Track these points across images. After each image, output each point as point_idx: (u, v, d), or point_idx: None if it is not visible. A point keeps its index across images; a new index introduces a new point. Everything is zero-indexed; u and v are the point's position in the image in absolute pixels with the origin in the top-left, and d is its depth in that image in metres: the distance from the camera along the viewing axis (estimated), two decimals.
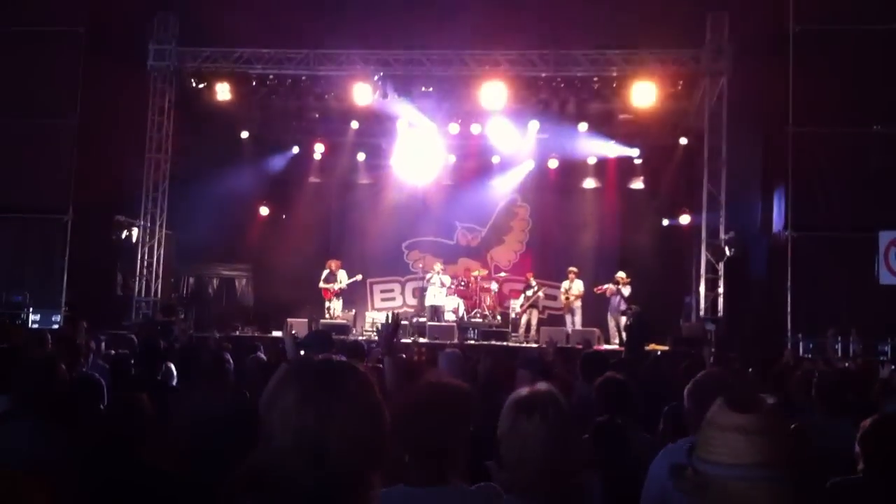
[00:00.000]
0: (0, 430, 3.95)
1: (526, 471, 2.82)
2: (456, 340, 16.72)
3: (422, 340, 16.92)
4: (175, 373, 7.24)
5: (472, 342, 17.16)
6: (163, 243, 19.36)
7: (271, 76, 18.92)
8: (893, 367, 8.62)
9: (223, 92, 18.93)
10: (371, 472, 1.92)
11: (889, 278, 14.74)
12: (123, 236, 18.54)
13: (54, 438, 3.94)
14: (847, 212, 16.18)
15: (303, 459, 1.83)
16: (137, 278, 19.09)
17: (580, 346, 13.58)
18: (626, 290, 18.22)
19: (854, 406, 5.69)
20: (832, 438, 4.66)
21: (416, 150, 21.37)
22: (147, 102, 18.94)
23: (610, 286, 18.51)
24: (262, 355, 7.95)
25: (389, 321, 6.73)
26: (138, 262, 19.08)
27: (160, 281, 19.32)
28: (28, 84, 18.21)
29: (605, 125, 20.09)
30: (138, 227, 18.93)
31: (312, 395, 1.88)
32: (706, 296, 17.85)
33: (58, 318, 17.57)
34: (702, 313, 17.88)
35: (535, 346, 17.00)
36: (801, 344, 15.64)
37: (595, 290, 18.79)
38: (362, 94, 18.38)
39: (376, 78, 18.14)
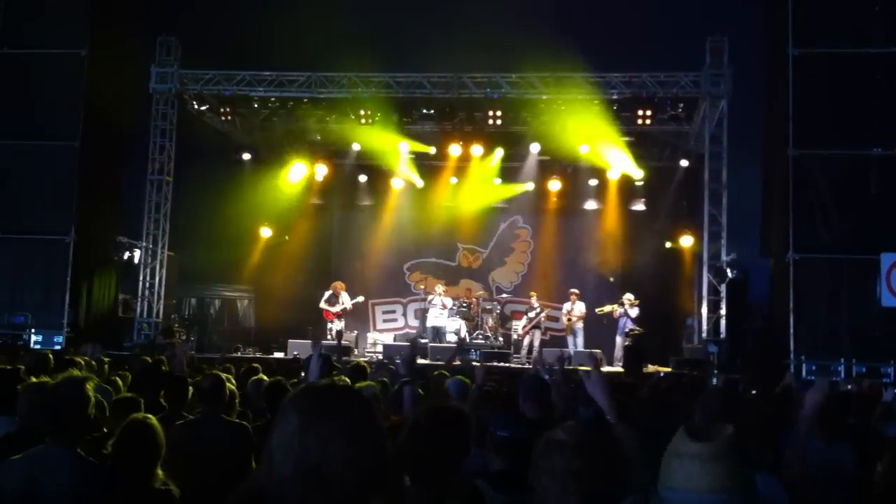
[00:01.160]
0: (38, 461, 3.84)
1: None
2: (458, 362, 16.65)
3: (425, 362, 16.89)
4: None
5: (476, 363, 17.11)
6: (164, 264, 19.40)
7: (273, 99, 19.02)
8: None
9: (225, 114, 19.04)
10: (372, 497, 1.92)
11: (891, 300, 14.71)
12: (125, 258, 18.56)
13: (92, 469, 3.88)
14: (848, 234, 16.19)
15: (303, 485, 1.83)
16: (139, 299, 19.11)
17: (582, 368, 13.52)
18: (634, 312, 18.19)
19: (854, 429, 5.68)
20: (831, 462, 4.66)
21: (417, 172, 21.45)
22: (149, 125, 19.02)
23: (616, 307, 18.49)
24: (264, 377, 7.93)
25: (410, 344, 6.75)
26: (140, 283, 19.10)
27: (162, 302, 19.32)
28: (31, 106, 18.30)
29: (606, 147, 20.13)
30: (140, 248, 18.96)
31: (314, 421, 1.88)
32: (708, 318, 17.84)
33: (60, 339, 17.58)
34: (704, 335, 17.87)
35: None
36: (803, 366, 15.62)
37: (596, 310, 18.77)
38: (363, 116, 18.49)
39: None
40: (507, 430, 3.69)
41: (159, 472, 3.99)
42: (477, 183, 21.64)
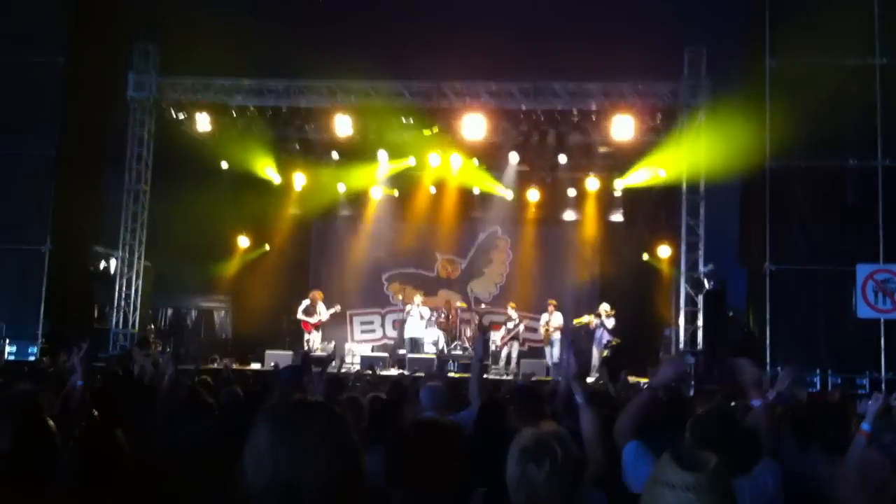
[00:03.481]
0: None
1: None
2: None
3: (405, 373, 16.83)
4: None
5: (453, 374, 17.09)
6: (141, 274, 19.25)
7: (251, 107, 18.95)
8: (871, 401, 8.61)
9: (203, 122, 18.94)
10: None
11: (867, 311, 14.84)
12: (101, 267, 18.43)
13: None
14: (825, 245, 16.27)
15: (275, 499, 1.81)
16: (115, 310, 18.95)
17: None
18: (610, 323, 18.27)
19: (832, 441, 5.68)
20: (803, 473, 4.66)
21: (396, 182, 21.46)
22: (127, 133, 18.89)
23: (592, 318, 18.54)
24: (238, 389, 7.86)
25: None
26: (116, 293, 18.94)
27: (138, 312, 19.17)
28: (7, 113, 18.14)
29: (585, 157, 20.22)
30: (116, 258, 18.83)
31: (285, 435, 1.87)
32: (686, 328, 17.87)
33: (34, 349, 17.41)
34: (681, 346, 17.90)
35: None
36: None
37: (574, 322, 18.80)
38: (342, 125, 18.45)
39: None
40: None
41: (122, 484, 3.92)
42: (456, 193, 21.67)
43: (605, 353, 17.80)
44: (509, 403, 5.92)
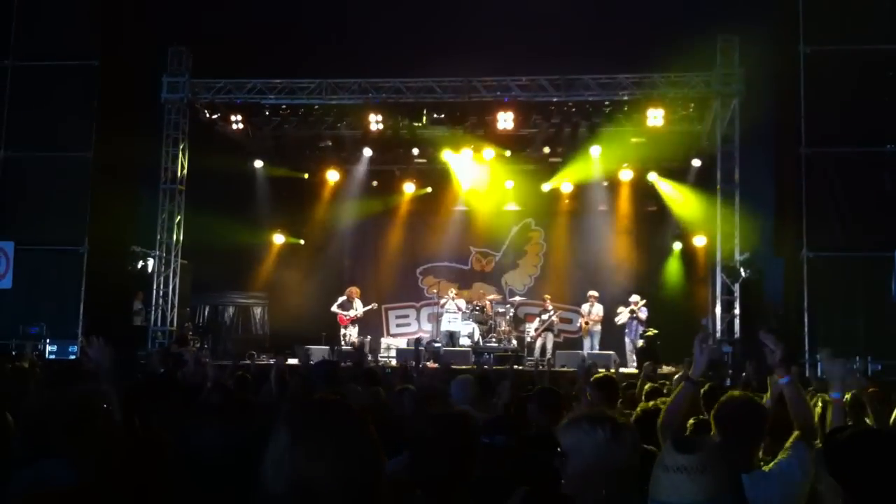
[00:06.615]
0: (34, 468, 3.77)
1: (596, 480, 2.77)
2: (472, 365, 16.66)
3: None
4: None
5: (487, 367, 17.07)
6: (178, 273, 19.42)
7: (284, 106, 19.09)
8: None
9: (236, 122, 19.09)
10: None
11: None
12: (139, 266, 18.63)
13: (89, 472, 3.80)
14: (862, 232, 16.09)
15: (293, 501, 1.83)
16: (153, 308, 19.14)
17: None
18: (643, 313, 18.26)
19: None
20: None
21: (428, 177, 21.51)
22: (161, 134, 19.06)
23: (625, 310, 18.53)
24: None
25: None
26: (154, 292, 19.14)
27: (175, 310, 19.34)
28: (43, 117, 18.34)
29: (618, 148, 20.09)
30: (153, 257, 19.02)
31: (303, 437, 1.88)
32: (722, 317, 17.73)
33: (74, 348, 17.63)
34: (718, 335, 17.77)
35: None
36: (818, 365, 15.50)
37: (615, 319, 18.80)
38: (375, 122, 18.52)
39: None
40: (488, 437, 3.65)
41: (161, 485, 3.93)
42: (489, 186, 21.66)
43: (640, 343, 17.75)
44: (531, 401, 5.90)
